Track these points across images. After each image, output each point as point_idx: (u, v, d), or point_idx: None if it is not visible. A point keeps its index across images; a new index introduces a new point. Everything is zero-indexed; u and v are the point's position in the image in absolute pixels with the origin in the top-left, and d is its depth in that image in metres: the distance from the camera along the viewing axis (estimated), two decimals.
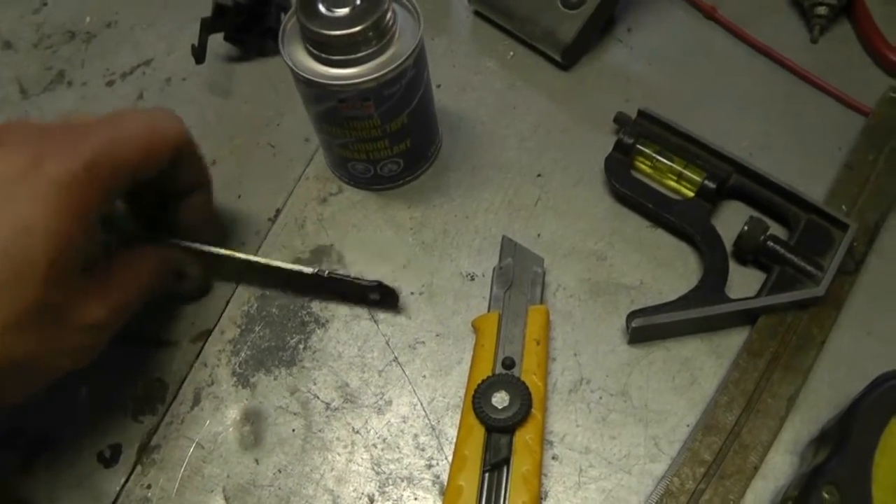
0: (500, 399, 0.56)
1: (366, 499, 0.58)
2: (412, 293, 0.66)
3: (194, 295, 0.67)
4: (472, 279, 0.66)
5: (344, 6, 0.58)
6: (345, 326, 0.65)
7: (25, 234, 0.46)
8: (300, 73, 0.59)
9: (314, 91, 0.60)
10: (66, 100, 0.82)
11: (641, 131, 0.69)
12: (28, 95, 0.82)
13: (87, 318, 0.51)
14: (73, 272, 0.49)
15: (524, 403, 0.56)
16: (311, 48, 0.59)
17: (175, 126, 0.57)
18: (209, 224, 0.65)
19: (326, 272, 0.62)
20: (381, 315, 0.65)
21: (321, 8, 0.58)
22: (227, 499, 0.58)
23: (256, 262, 0.64)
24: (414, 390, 0.62)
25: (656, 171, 0.69)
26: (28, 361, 0.48)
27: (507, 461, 0.55)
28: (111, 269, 0.54)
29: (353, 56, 0.59)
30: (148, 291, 0.57)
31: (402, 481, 0.58)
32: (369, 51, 0.59)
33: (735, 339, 0.62)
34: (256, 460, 0.60)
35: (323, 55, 0.59)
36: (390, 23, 0.59)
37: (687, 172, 0.67)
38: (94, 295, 0.52)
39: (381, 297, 0.64)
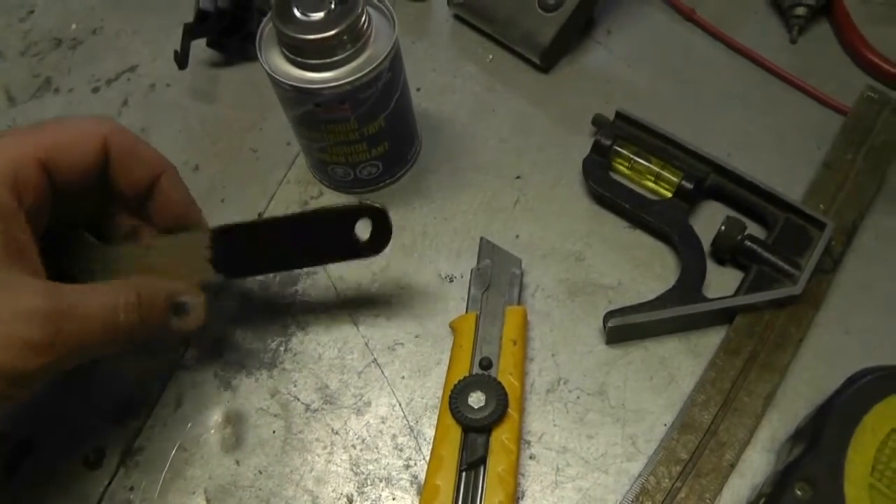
0: (476, 399, 0.56)
1: (344, 499, 0.58)
2: (392, 295, 0.66)
3: (192, 333, 0.58)
4: (451, 281, 0.66)
5: (319, 10, 0.58)
6: (325, 329, 0.65)
7: None
8: (277, 77, 0.60)
9: (291, 95, 0.61)
10: (54, 107, 0.82)
11: (619, 133, 0.69)
12: (16, 103, 0.83)
13: (21, 304, 0.45)
14: None
15: (500, 403, 0.56)
16: (287, 52, 0.60)
17: (95, 125, 0.54)
18: (192, 206, 0.60)
19: (300, 211, 0.59)
20: (361, 317, 0.65)
21: (296, 12, 0.58)
22: (208, 500, 0.59)
23: (224, 226, 0.59)
24: (393, 391, 0.62)
25: (634, 172, 0.69)
26: None
27: (483, 461, 0.55)
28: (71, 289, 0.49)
29: (328, 60, 0.59)
30: (125, 318, 0.50)
31: (381, 481, 0.58)
32: (344, 54, 0.59)
33: (713, 339, 0.62)
34: (237, 462, 0.60)
35: (299, 59, 0.59)
36: (365, 26, 0.60)
37: (664, 173, 0.67)
38: (40, 288, 0.47)
39: (373, 226, 0.58)
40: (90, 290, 0.49)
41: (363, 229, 0.59)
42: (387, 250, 0.59)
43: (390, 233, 0.59)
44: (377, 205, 0.58)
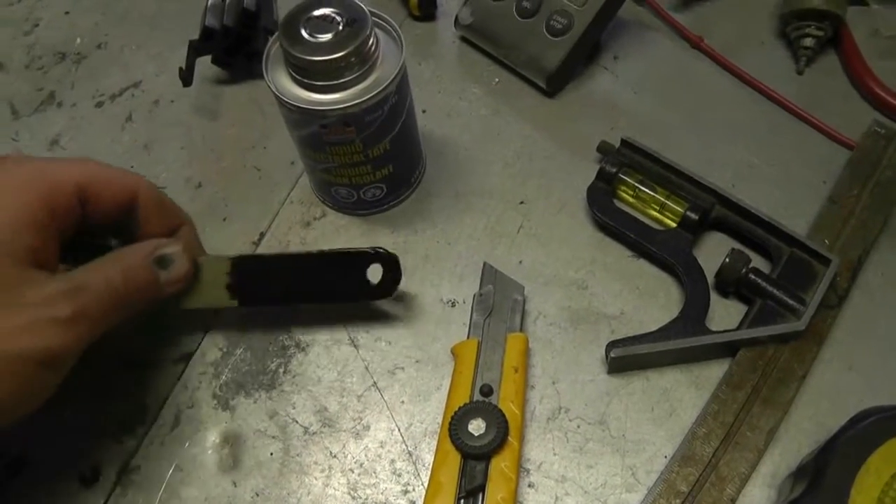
0: (476, 426, 0.56)
1: None
2: (393, 319, 0.66)
3: (182, 286, 0.59)
4: (453, 305, 0.66)
5: (326, 32, 0.58)
6: (325, 351, 0.65)
7: None
8: (283, 97, 0.59)
9: (297, 116, 0.61)
10: (57, 121, 0.82)
11: (624, 160, 0.69)
12: (19, 116, 0.82)
13: (45, 291, 0.50)
14: (17, 254, 0.51)
15: (500, 431, 0.55)
16: (293, 73, 0.60)
17: (131, 176, 0.59)
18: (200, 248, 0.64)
19: (317, 251, 0.63)
20: (362, 340, 0.65)
21: (304, 33, 0.58)
22: None
23: (245, 256, 0.63)
24: (392, 416, 0.61)
25: (639, 201, 0.69)
26: None
27: (482, 488, 0.55)
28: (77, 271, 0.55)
29: (335, 81, 0.59)
30: (122, 284, 0.54)
31: None
32: (352, 76, 0.59)
33: (715, 371, 0.62)
34: (234, 483, 0.60)
35: (305, 80, 0.59)
36: (372, 48, 0.59)
37: (669, 203, 0.67)
38: (54, 277, 0.52)
39: (384, 271, 0.62)
40: (90, 269, 0.54)
41: (374, 273, 0.62)
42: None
43: (399, 278, 0.62)
44: (389, 252, 0.62)
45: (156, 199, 0.60)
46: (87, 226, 0.57)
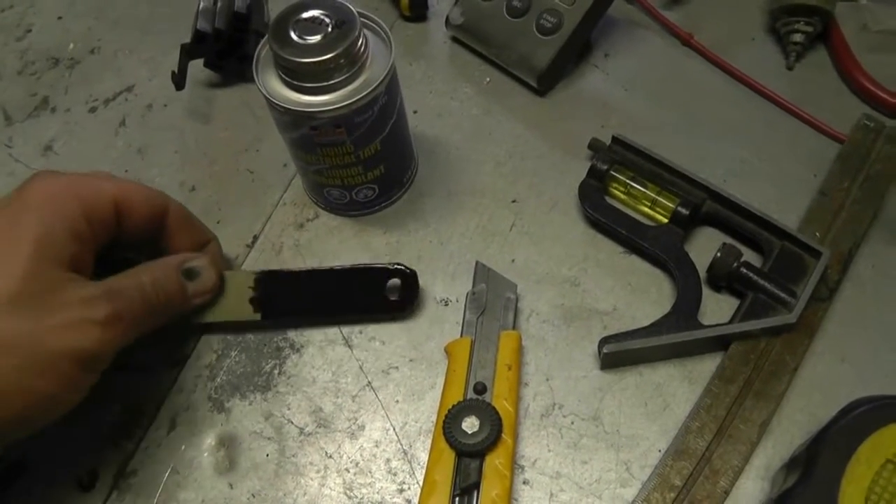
0: (470, 424, 0.56)
1: None
2: (386, 318, 0.66)
3: (209, 297, 0.63)
4: (447, 304, 0.66)
5: (315, 34, 0.58)
6: (319, 351, 0.65)
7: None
8: (273, 100, 0.60)
9: (287, 118, 0.61)
10: (50, 126, 0.82)
11: (616, 157, 0.69)
12: (12, 122, 0.83)
13: (83, 292, 0.53)
14: (60, 258, 0.53)
15: (494, 428, 0.56)
16: (283, 75, 0.60)
17: (163, 196, 0.62)
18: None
19: (339, 266, 0.66)
20: (356, 340, 0.65)
21: (293, 35, 0.58)
22: None
23: (269, 271, 0.66)
24: (387, 415, 0.62)
25: (630, 198, 0.69)
26: (25, 328, 0.50)
27: (476, 486, 0.55)
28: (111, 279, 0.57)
29: (325, 83, 0.59)
30: (153, 293, 0.58)
31: None
32: (341, 78, 0.59)
33: (708, 365, 0.62)
34: (231, 485, 0.60)
35: (295, 82, 0.59)
36: (361, 50, 0.60)
37: (660, 199, 0.67)
38: (91, 282, 0.54)
39: (402, 287, 0.65)
40: (123, 277, 0.57)
41: (392, 288, 0.65)
42: None
43: (417, 293, 0.66)
44: (408, 267, 0.65)
45: (184, 216, 0.63)
46: (120, 240, 0.59)
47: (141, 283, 0.57)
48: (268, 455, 0.61)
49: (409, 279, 0.65)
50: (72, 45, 0.89)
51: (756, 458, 0.58)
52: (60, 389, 0.52)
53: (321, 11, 0.59)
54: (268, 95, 0.60)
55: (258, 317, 0.65)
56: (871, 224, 0.66)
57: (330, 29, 0.58)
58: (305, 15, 0.59)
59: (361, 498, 0.59)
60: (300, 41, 0.58)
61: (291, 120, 0.61)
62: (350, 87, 0.60)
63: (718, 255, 0.63)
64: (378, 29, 0.63)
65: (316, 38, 0.58)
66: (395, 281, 0.65)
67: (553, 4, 0.75)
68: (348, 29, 0.58)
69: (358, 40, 0.59)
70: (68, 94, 0.85)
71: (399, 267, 0.65)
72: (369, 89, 0.59)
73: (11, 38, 0.90)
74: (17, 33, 0.91)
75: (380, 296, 0.65)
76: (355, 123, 0.61)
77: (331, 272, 0.66)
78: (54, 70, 0.87)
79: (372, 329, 0.66)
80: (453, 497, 0.55)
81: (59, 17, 0.92)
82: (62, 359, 0.51)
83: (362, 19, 0.60)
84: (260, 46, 0.62)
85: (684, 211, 0.65)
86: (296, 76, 0.59)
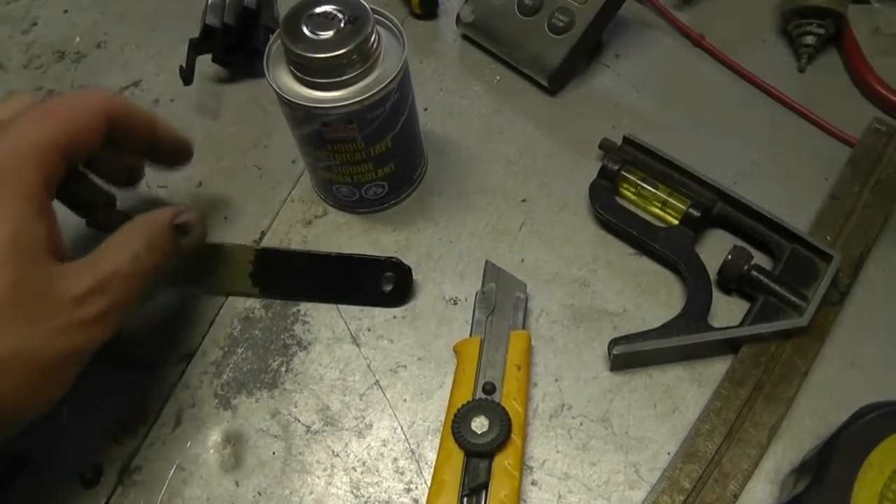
0: (479, 424, 0.56)
1: None
2: (394, 317, 0.66)
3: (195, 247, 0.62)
4: (455, 303, 0.66)
5: (328, 29, 0.58)
6: (327, 349, 0.65)
7: None
8: (284, 95, 0.59)
9: (298, 114, 0.60)
10: None
11: (627, 158, 0.69)
12: None
13: (74, 289, 0.51)
14: (38, 249, 0.50)
15: (503, 428, 0.55)
16: (295, 71, 0.59)
17: (96, 102, 0.57)
18: (181, 139, 0.67)
19: (336, 252, 0.68)
20: (363, 338, 0.65)
21: (305, 31, 0.58)
22: None
23: (268, 248, 0.68)
24: (394, 414, 0.61)
25: (641, 198, 0.69)
26: (21, 343, 0.48)
27: (485, 486, 0.55)
28: (100, 246, 0.55)
29: (337, 79, 0.58)
30: (148, 258, 0.55)
31: None
32: (353, 74, 0.59)
33: (718, 368, 0.62)
34: (237, 482, 0.59)
35: (307, 78, 0.59)
36: (374, 46, 0.59)
37: (671, 200, 0.67)
38: (79, 268, 0.52)
39: (395, 281, 0.66)
40: (114, 248, 0.55)
41: (387, 281, 0.66)
42: None
43: (410, 289, 0.67)
44: (403, 262, 0.66)
45: (127, 114, 0.59)
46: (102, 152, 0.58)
47: (135, 253, 0.55)
48: (274, 453, 0.60)
49: (403, 274, 0.66)
50: (78, 39, 0.88)
51: (766, 461, 0.57)
52: (53, 389, 0.51)
53: (334, 7, 0.59)
54: (279, 91, 0.59)
55: (256, 291, 0.67)
56: (882, 228, 0.66)
57: (343, 24, 0.58)
58: (318, 10, 0.59)
59: (368, 497, 0.58)
60: (313, 36, 0.58)
61: (303, 116, 0.60)
62: (362, 84, 0.59)
63: (729, 257, 0.63)
64: (390, 25, 0.62)
65: (328, 34, 0.58)
66: (391, 274, 0.66)
67: (565, 3, 0.75)
68: (361, 24, 0.58)
69: (371, 36, 0.59)
70: (74, 87, 0.84)
71: (394, 260, 0.66)
72: (382, 85, 0.59)
73: (17, 32, 0.90)
74: (23, 26, 0.90)
75: (375, 286, 0.66)
76: (367, 120, 0.60)
77: (328, 257, 0.67)
78: (60, 64, 0.86)
79: (380, 327, 0.65)
80: (462, 497, 0.55)
81: (65, 11, 0.91)
82: (56, 363, 0.50)
83: (375, 15, 0.60)
84: (271, 41, 0.62)
85: (695, 213, 0.65)
86: (308, 72, 0.59)
